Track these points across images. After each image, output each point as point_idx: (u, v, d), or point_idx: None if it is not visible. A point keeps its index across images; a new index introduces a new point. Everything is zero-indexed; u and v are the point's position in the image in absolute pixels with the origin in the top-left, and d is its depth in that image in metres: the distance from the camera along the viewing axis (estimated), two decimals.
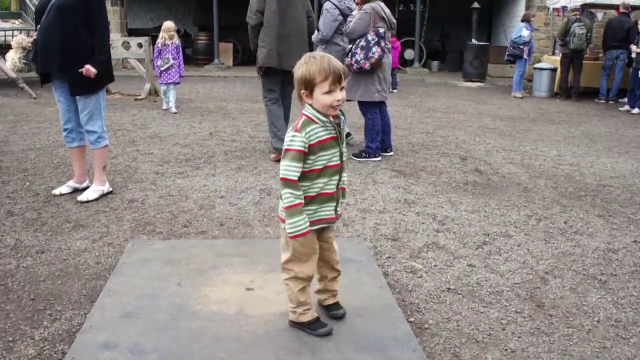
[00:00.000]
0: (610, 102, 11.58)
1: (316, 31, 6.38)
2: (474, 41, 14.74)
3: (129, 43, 11.04)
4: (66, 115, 4.66)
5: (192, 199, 4.70)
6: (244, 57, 17.40)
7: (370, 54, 5.78)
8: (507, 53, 12.27)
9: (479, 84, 14.40)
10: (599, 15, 12.49)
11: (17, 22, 12.79)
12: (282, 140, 6.87)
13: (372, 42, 5.77)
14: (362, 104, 6.18)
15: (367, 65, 5.81)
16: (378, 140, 6.15)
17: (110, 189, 4.79)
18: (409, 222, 4.34)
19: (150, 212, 4.38)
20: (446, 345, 2.73)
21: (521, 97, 11.97)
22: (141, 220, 4.24)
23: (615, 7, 12.14)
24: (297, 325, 2.69)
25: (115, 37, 11.86)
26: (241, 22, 17.82)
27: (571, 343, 2.78)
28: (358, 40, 5.87)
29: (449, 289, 3.29)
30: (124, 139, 6.86)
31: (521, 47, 11.80)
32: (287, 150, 2.46)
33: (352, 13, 6.10)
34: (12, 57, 10.04)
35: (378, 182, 5.30)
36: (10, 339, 2.69)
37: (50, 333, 2.74)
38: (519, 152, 6.81)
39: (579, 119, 9.56)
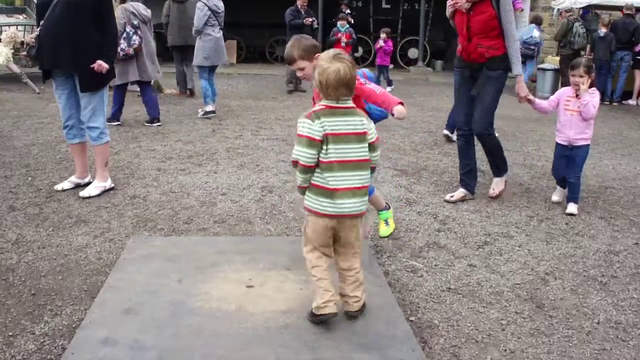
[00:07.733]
0: (614, 103, 11.55)
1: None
2: None
3: None
4: (67, 112, 4.66)
5: (194, 196, 4.71)
6: (248, 55, 17.40)
7: (132, 42, 7.19)
8: None
9: None
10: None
11: (21, 17, 12.78)
12: (183, 82, 8.60)
13: (131, 32, 7.21)
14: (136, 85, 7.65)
15: (131, 51, 7.18)
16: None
17: (112, 185, 4.80)
18: (410, 221, 4.34)
19: (151, 209, 4.38)
20: (445, 345, 2.73)
21: None
22: (142, 216, 4.25)
23: (619, 8, 12.11)
24: None
25: None
26: (245, 19, 17.72)
27: (571, 344, 2.78)
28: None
29: (449, 288, 3.30)
30: (127, 135, 6.87)
31: (532, 47, 11.82)
32: None
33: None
34: (5, 52, 10.05)
35: (380, 181, 5.30)
36: (11, 333, 2.70)
37: (51, 328, 2.75)
38: (522, 153, 6.79)
39: None
